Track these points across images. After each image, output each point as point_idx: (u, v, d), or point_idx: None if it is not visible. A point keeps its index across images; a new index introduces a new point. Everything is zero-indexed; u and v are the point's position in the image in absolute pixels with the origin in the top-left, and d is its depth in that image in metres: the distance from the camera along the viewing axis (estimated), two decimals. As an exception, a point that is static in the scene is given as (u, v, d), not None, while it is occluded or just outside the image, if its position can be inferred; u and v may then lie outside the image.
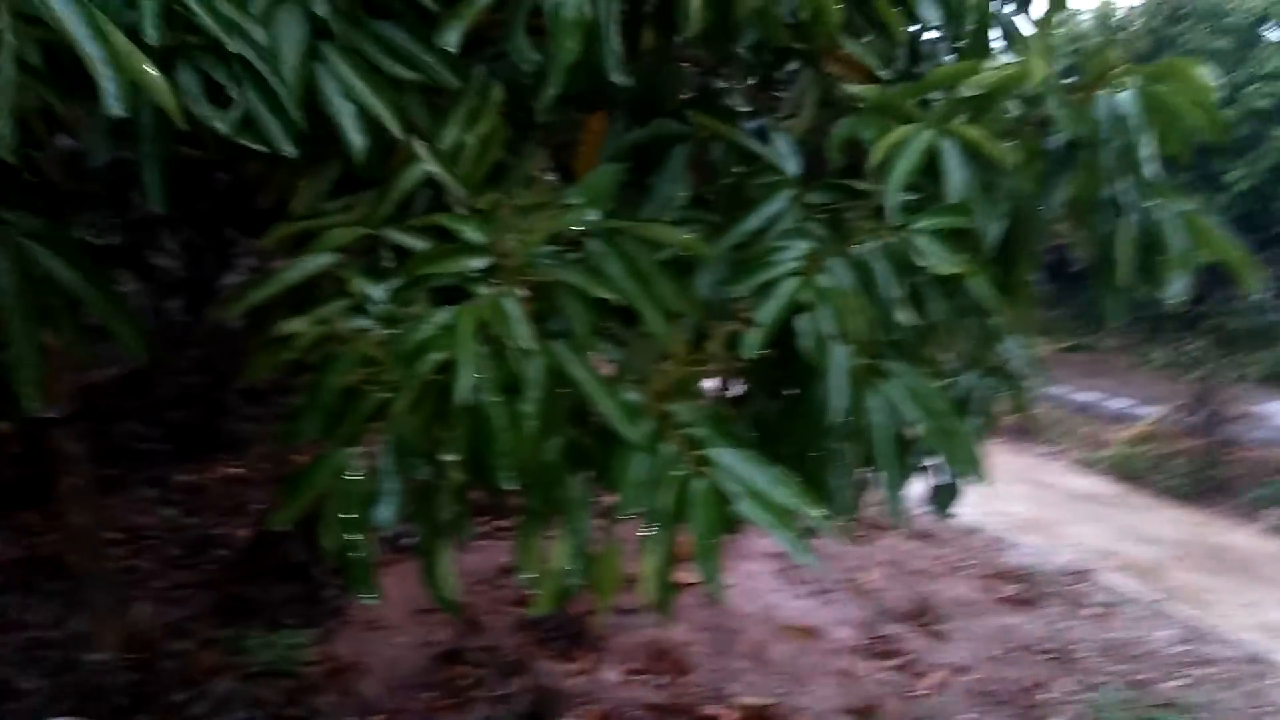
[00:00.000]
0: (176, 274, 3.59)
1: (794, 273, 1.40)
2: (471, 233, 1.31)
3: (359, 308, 1.31)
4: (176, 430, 4.46)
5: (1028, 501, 5.51)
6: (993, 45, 1.92)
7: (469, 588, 3.54)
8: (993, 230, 1.49)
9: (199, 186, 2.17)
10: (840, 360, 1.37)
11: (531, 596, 1.40)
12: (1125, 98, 1.49)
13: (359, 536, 1.26)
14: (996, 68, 1.52)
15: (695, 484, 1.27)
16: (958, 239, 1.43)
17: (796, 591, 3.94)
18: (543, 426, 1.23)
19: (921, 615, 3.81)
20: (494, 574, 3.70)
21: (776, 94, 1.79)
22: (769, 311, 1.36)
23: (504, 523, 3.84)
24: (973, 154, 1.46)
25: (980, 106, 1.51)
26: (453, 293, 1.28)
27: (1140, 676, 3.46)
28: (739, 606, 3.70)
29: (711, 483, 1.27)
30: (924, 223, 1.42)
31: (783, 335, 1.40)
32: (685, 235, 1.38)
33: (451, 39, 1.29)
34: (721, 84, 1.78)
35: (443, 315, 1.23)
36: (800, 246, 1.43)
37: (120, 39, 1.02)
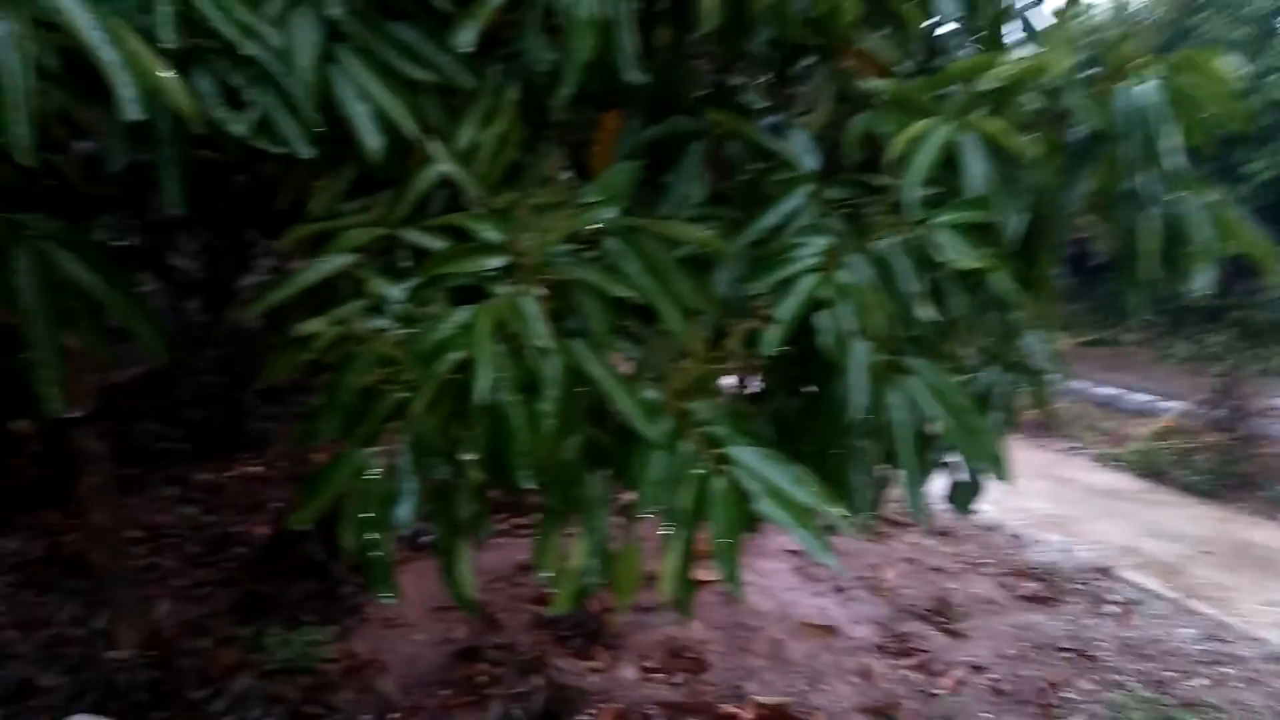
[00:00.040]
0: (195, 275, 3.63)
1: (813, 269, 1.39)
2: (488, 232, 1.30)
3: (377, 308, 1.31)
4: (196, 429, 4.50)
5: (1048, 498, 5.46)
6: (1010, 38, 1.90)
7: (486, 585, 3.55)
8: (1013, 224, 1.47)
9: (217, 188, 2.18)
10: (860, 357, 1.36)
11: (550, 595, 1.40)
12: (1147, 89, 1.47)
13: (378, 536, 1.26)
14: (1015, 60, 1.50)
15: (715, 482, 1.26)
16: (978, 233, 1.42)
17: (814, 589, 3.92)
18: (561, 425, 1.22)
19: (940, 613, 3.78)
20: (511, 571, 3.71)
21: (792, 90, 1.78)
22: (788, 308, 1.35)
23: (522, 520, 3.85)
24: (992, 147, 1.45)
25: (999, 100, 1.50)
26: (470, 292, 1.28)
27: (1161, 675, 3.42)
28: (756, 604, 3.68)
29: (731, 481, 1.26)
30: (944, 217, 1.41)
31: (802, 332, 1.39)
32: (703, 232, 1.37)
33: (467, 39, 1.29)
34: (737, 80, 1.77)
35: (460, 315, 1.23)
36: (819, 242, 1.42)
37: (137, 44, 1.03)
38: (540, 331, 1.21)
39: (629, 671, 3.16)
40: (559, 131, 1.54)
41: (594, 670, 3.14)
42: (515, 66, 1.44)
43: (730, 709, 3.00)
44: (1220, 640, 3.72)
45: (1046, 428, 6.46)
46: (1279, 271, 1.58)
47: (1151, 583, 4.29)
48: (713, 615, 3.51)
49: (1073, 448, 6.68)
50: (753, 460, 1.28)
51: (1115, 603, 4.03)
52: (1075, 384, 7.34)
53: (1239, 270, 7.93)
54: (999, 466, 1.48)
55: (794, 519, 1.24)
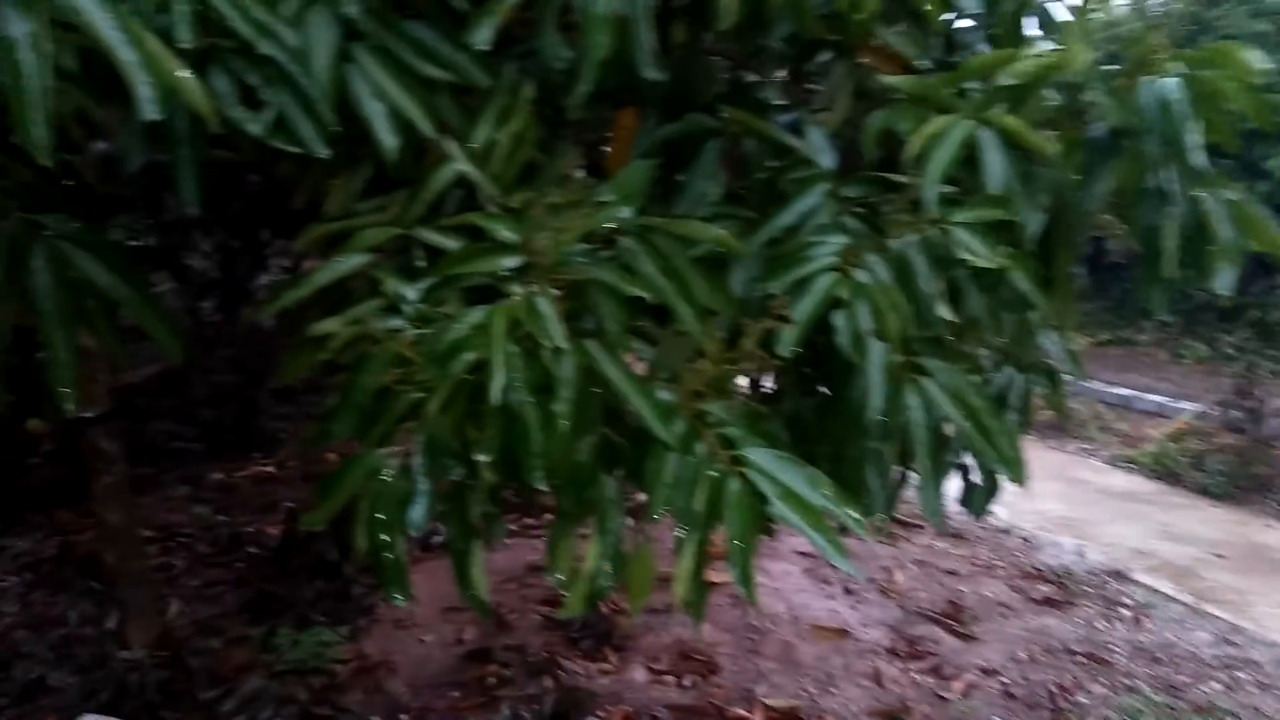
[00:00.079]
0: (210, 275, 3.64)
1: (830, 268, 1.38)
2: (504, 232, 1.30)
3: (392, 308, 1.30)
4: (209, 429, 4.52)
5: (1061, 500, 5.42)
6: (1028, 33, 1.88)
7: (497, 586, 3.55)
8: (1033, 222, 1.45)
9: (232, 188, 2.19)
10: (878, 357, 1.35)
11: (562, 597, 1.39)
12: (1170, 84, 1.45)
13: (392, 537, 1.26)
14: (1036, 55, 1.48)
15: (730, 484, 1.25)
16: (998, 232, 1.40)
17: (825, 591, 3.91)
18: (575, 426, 1.22)
19: (952, 616, 3.76)
20: (522, 572, 3.71)
21: (809, 87, 1.77)
22: (805, 308, 1.34)
23: (532, 521, 3.85)
24: (1012, 144, 1.43)
25: (1019, 95, 1.48)
26: (485, 292, 1.27)
27: (1175, 680, 3.39)
28: (767, 606, 3.67)
29: (746, 483, 1.25)
30: (963, 215, 1.39)
31: (817, 332, 1.37)
32: (719, 231, 1.36)
33: (483, 37, 1.28)
34: (753, 78, 1.75)
35: (475, 315, 1.22)
36: (836, 241, 1.40)
37: (154, 44, 1.02)
38: (555, 332, 1.20)
39: (639, 673, 3.15)
40: (574, 130, 1.53)
41: (604, 672, 3.13)
42: (530, 65, 1.43)
43: (740, 712, 2.98)
44: (1234, 644, 3.69)
45: (1059, 429, 6.42)
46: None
47: (1165, 586, 4.26)
48: (723, 617, 3.50)
49: (1085, 449, 6.63)
50: (767, 462, 1.27)
51: (1128, 606, 4.00)
52: (1089, 384, 7.28)
53: (1256, 269, 7.86)
54: (1016, 469, 1.46)
55: (809, 522, 1.23)
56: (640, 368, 1.37)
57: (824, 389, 1.60)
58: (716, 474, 1.25)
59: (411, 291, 1.31)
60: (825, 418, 1.53)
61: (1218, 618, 3.93)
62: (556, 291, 1.25)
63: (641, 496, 1.34)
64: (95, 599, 3.12)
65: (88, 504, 2.82)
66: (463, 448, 1.25)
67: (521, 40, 1.44)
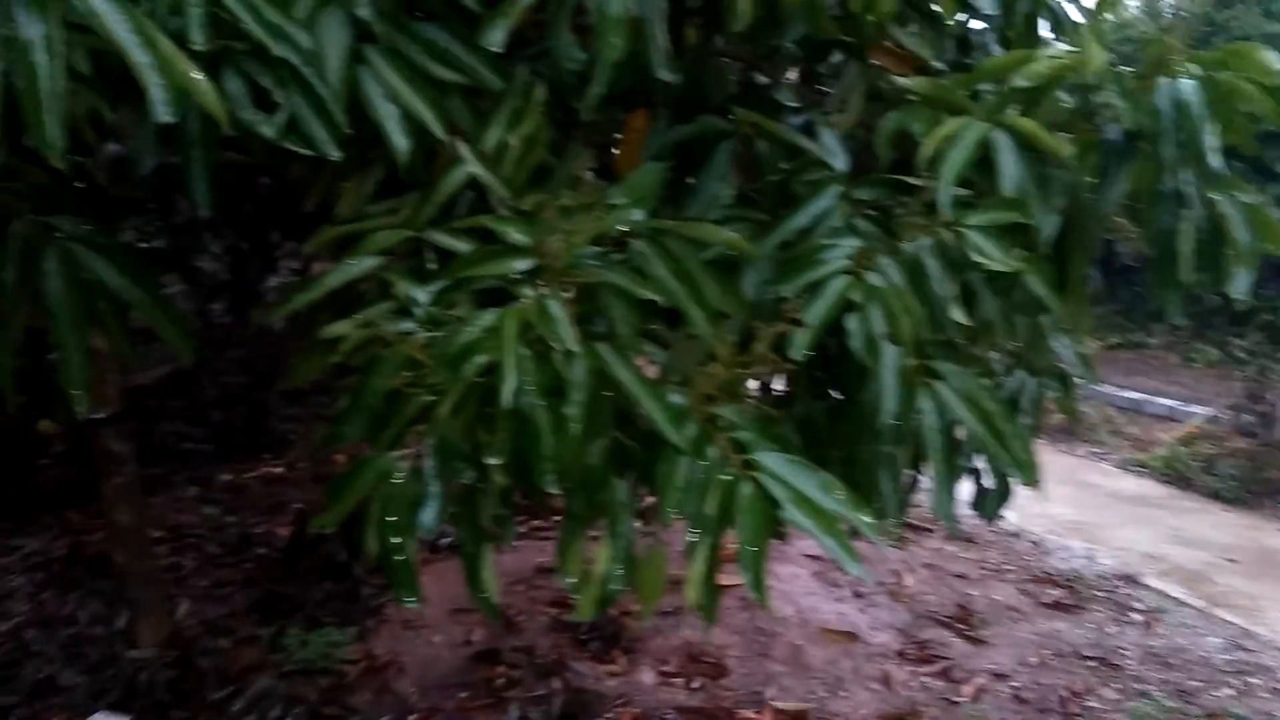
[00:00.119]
0: (219, 276, 3.65)
1: (843, 271, 1.37)
2: (515, 234, 1.29)
3: (403, 310, 1.30)
4: (219, 430, 4.53)
5: (1072, 504, 5.39)
6: (1041, 34, 1.87)
7: (505, 587, 3.54)
8: (1048, 225, 1.44)
9: (242, 190, 2.19)
10: (892, 361, 1.34)
11: (572, 601, 1.39)
12: (1187, 85, 1.44)
13: (403, 540, 1.26)
14: (1051, 57, 1.47)
15: (742, 489, 1.24)
16: (1012, 235, 1.39)
17: (834, 594, 3.89)
18: (587, 429, 1.21)
19: (961, 620, 3.74)
20: (530, 573, 3.70)
21: (821, 88, 1.76)
22: (818, 311, 1.33)
23: (540, 522, 3.85)
24: (1027, 146, 1.42)
25: (1033, 97, 1.47)
26: (497, 295, 1.27)
27: (1186, 685, 3.37)
28: (776, 609, 3.66)
29: (758, 488, 1.24)
30: (977, 218, 1.38)
31: (830, 335, 1.37)
32: (731, 234, 1.35)
33: (496, 38, 1.28)
34: (765, 79, 1.74)
35: (487, 317, 1.22)
36: (849, 244, 1.40)
37: (168, 45, 1.02)
38: (567, 335, 1.20)
39: (647, 676, 3.14)
40: (584, 132, 1.53)
41: (612, 674, 3.12)
42: (541, 66, 1.42)
43: (749, 715, 2.97)
44: (1246, 650, 3.66)
45: (1069, 433, 6.39)
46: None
47: (1176, 590, 4.23)
48: (732, 620, 3.49)
49: (1096, 453, 6.60)
50: (780, 466, 1.26)
51: (1139, 611, 3.97)
52: (1099, 387, 7.24)
53: (1268, 272, 7.80)
54: (1030, 473, 1.45)
55: (821, 527, 1.22)
56: (652, 371, 1.36)
57: (835, 392, 1.59)
58: (728, 478, 1.25)
59: (423, 294, 1.30)
60: (837, 421, 1.52)
61: (1229, 623, 3.91)
62: (568, 294, 1.25)
63: (651, 499, 1.33)
64: (105, 598, 3.13)
65: (98, 504, 2.83)
66: (474, 451, 1.24)
67: (533, 42, 1.44)
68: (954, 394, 1.40)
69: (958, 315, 1.40)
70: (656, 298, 1.27)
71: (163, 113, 0.99)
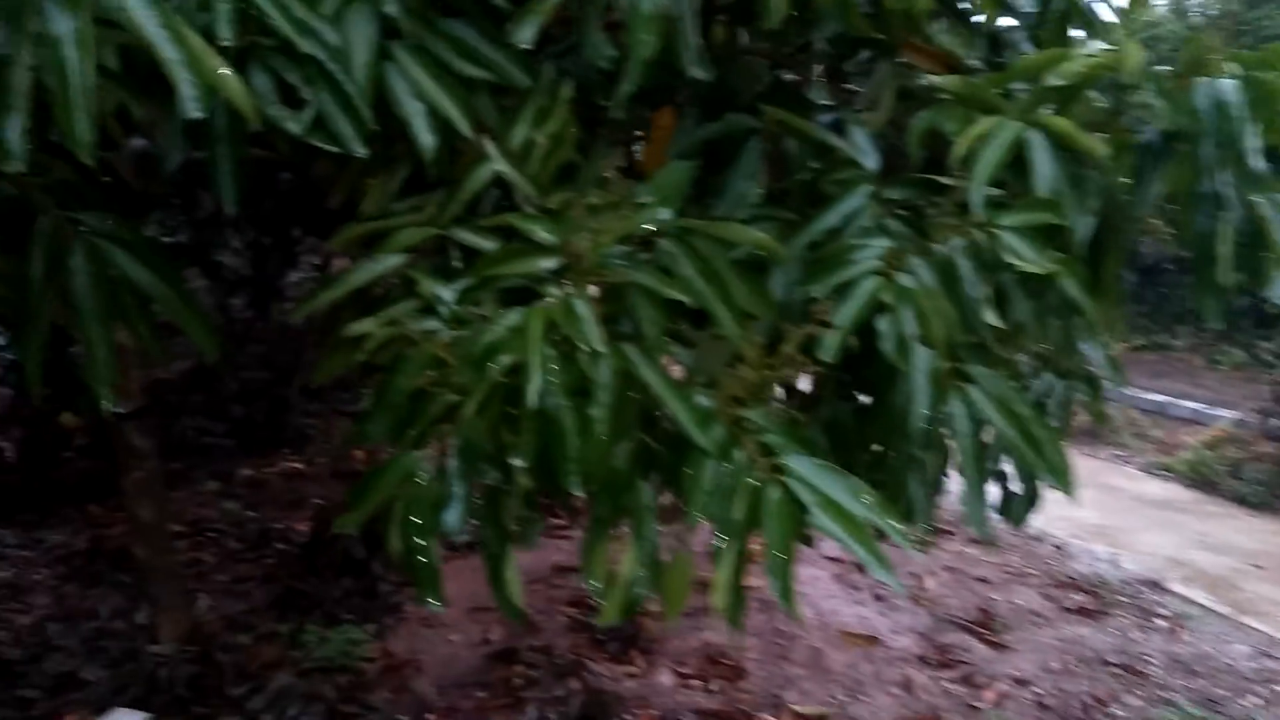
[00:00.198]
0: (241, 272, 3.67)
1: (873, 272, 1.34)
2: (541, 233, 1.28)
3: (428, 309, 1.29)
4: (239, 425, 4.55)
5: (1096, 507, 5.32)
6: (1072, 33, 1.83)
7: (523, 587, 3.54)
8: (1083, 226, 1.41)
9: (265, 186, 2.19)
10: (923, 363, 1.31)
11: (597, 604, 1.37)
12: (1227, 85, 1.40)
13: (426, 541, 1.25)
14: (1086, 55, 1.44)
15: (770, 493, 1.22)
16: (1046, 236, 1.36)
17: (855, 597, 3.86)
18: (612, 431, 1.20)
19: (983, 624, 3.70)
20: (549, 573, 3.70)
21: (850, 87, 1.73)
22: (848, 313, 1.31)
23: (559, 521, 3.84)
24: (1061, 146, 1.39)
25: (1067, 97, 1.44)
26: (522, 294, 1.26)
27: (1212, 693, 3.31)
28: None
29: (786, 492, 1.22)
30: (1011, 219, 1.36)
31: (858, 337, 1.34)
32: (759, 234, 1.33)
33: (526, 35, 1.27)
34: (795, 77, 1.72)
35: (512, 317, 1.21)
36: (879, 244, 1.37)
37: (196, 41, 1.02)
38: (593, 335, 1.18)
39: (665, 677, 3.12)
40: (610, 130, 1.51)
41: (630, 675, 3.11)
42: (568, 63, 1.41)
43: (768, 718, 2.95)
44: (1273, 657, 3.60)
45: (1093, 435, 6.31)
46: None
47: (1201, 596, 4.17)
48: (751, 622, 3.46)
49: (1119, 456, 6.52)
50: (808, 470, 1.24)
51: (1164, 616, 3.91)
52: (1123, 390, 7.15)
53: (1295, 275, 7.66)
54: (1064, 478, 1.42)
55: (850, 532, 1.20)
56: (678, 372, 1.34)
57: (863, 395, 1.56)
58: (756, 482, 1.23)
59: (448, 293, 1.29)
60: (865, 424, 1.50)
61: (1256, 630, 3.84)
62: (594, 294, 1.23)
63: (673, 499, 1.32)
64: (126, 593, 3.15)
65: (119, 499, 2.84)
66: (498, 451, 1.23)
67: (559, 39, 1.42)
68: (986, 397, 1.37)
69: (990, 317, 1.37)
70: (683, 298, 1.25)
71: (192, 108, 0.98)
